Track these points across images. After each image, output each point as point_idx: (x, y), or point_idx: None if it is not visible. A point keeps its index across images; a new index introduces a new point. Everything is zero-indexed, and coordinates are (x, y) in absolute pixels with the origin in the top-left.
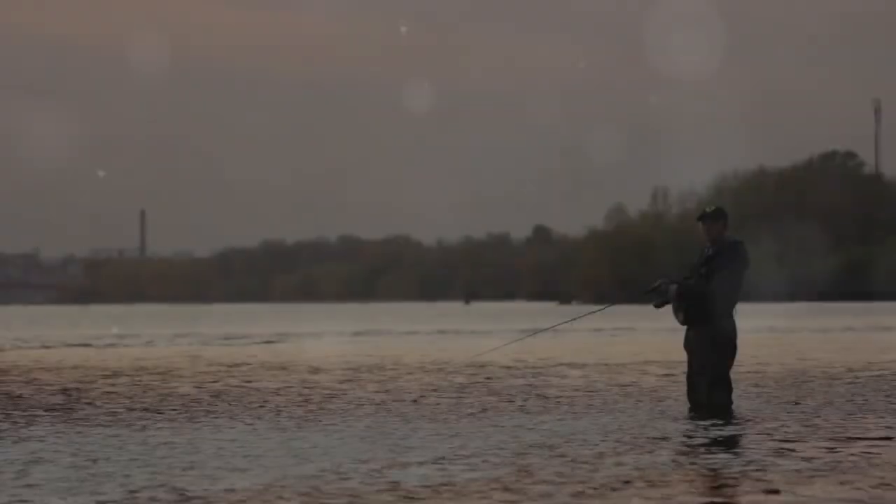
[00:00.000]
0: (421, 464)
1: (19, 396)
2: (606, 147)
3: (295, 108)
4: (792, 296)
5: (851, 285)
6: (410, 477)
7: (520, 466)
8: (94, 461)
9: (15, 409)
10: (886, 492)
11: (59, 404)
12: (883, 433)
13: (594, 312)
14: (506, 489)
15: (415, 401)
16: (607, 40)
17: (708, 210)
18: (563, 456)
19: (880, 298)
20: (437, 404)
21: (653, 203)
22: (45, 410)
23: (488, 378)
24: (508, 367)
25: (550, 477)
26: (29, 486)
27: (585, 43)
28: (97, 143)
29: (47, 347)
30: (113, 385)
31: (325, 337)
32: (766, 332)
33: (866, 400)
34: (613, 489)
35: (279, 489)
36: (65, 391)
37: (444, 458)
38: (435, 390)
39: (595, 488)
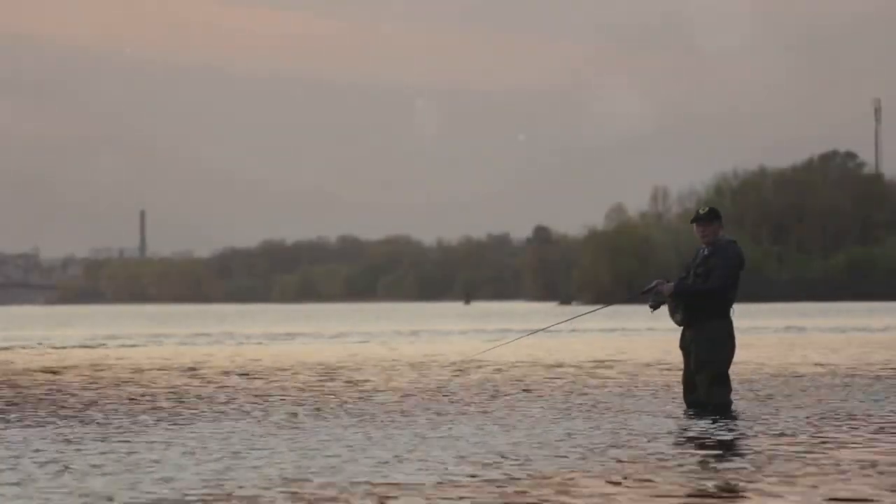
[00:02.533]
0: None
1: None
2: (606, 147)
3: (295, 107)
4: (791, 296)
5: (851, 285)
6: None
7: (514, 466)
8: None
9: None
10: (887, 491)
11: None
12: (881, 432)
13: (590, 312)
14: (500, 487)
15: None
16: (608, 40)
17: (701, 212)
18: (560, 456)
19: (880, 298)
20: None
21: (653, 203)
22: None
23: (487, 378)
24: (507, 367)
25: (546, 477)
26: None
27: (586, 43)
28: (97, 142)
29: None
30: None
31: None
32: (765, 331)
33: (864, 397)
34: (611, 489)
35: None
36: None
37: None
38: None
39: (592, 488)
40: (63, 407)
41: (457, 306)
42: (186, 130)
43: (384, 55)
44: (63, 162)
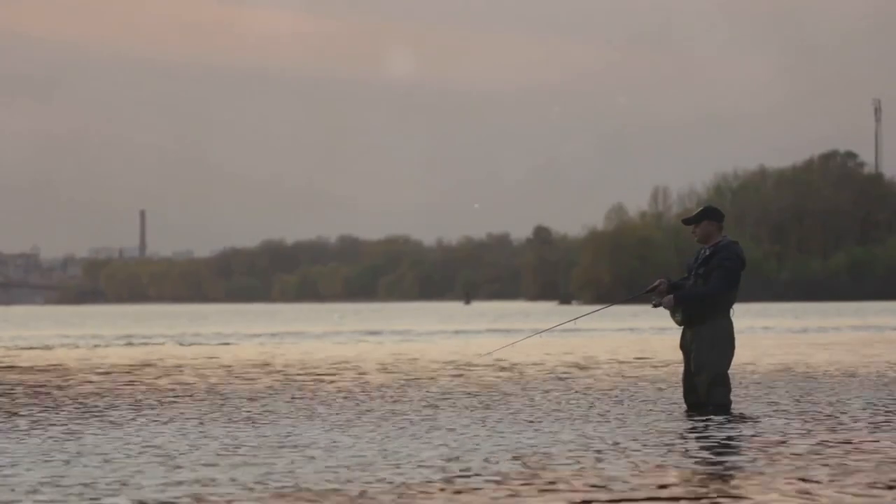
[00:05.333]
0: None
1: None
2: (606, 147)
3: (295, 107)
4: (791, 296)
5: (851, 285)
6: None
7: (520, 466)
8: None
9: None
10: (885, 491)
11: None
12: (882, 431)
13: (594, 312)
14: (508, 488)
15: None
16: (608, 40)
17: (696, 211)
18: (560, 456)
19: (880, 298)
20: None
21: (653, 203)
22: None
23: (485, 378)
24: (509, 368)
25: (548, 478)
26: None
27: (586, 43)
28: (97, 142)
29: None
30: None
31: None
32: (765, 331)
33: (864, 397)
34: (612, 489)
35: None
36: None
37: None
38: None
39: (593, 488)
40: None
41: (457, 306)
42: (187, 130)
43: (384, 54)
44: (63, 162)
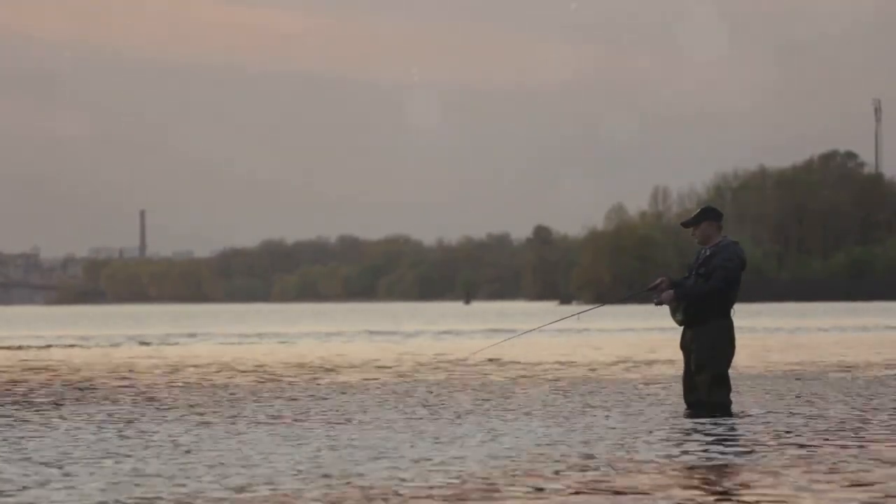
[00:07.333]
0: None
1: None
2: (606, 146)
3: (296, 107)
4: (791, 296)
5: (851, 285)
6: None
7: (519, 467)
8: None
9: None
10: (885, 489)
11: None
12: (881, 431)
13: (584, 312)
14: (506, 488)
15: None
16: (608, 39)
17: (694, 213)
18: (561, 456)
19: (880, 298)
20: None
21: (653, 203)
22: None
23: (482, 377)
24: (504, 367)
25: (548, 477)
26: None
27: (586, 42)
28: (97, 142)
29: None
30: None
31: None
32: (765, 331)
33: (864, 397)
34: (611, 488)
35: None
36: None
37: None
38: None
39: (594, 487)
40: None
41: (457, 306)
42: (187, 130)
43: (385, 54)
44: (63, 162)
